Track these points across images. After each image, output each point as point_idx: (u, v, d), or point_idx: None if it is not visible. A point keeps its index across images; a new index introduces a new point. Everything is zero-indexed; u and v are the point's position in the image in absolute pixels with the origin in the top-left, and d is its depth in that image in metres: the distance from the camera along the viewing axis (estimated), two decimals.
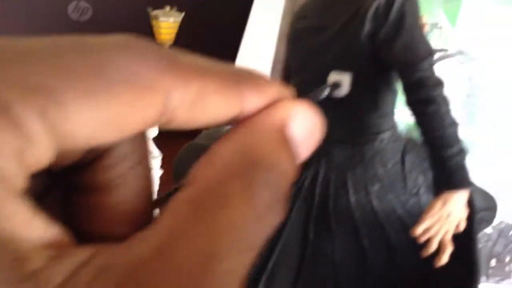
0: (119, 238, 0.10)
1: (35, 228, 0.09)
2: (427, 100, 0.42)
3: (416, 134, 0.47)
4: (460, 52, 0.73)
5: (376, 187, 0.46)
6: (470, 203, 0.43)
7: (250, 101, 0.12)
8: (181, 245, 0.10)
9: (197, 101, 0.11)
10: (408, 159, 0.47)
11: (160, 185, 0.70)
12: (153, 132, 0.71)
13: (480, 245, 0.75)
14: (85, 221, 0.11)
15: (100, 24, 0.99)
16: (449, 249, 0.43)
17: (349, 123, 0.47)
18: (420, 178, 0.47)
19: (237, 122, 0.12)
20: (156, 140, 0.70)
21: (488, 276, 0.70)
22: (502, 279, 0.76)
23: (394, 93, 0.47)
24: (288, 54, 0.51)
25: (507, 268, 0.76)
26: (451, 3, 0.72)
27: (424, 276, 0.45)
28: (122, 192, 0.11)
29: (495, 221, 0.73)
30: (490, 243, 0.76)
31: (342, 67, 0.45)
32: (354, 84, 0.45)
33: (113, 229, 0.11)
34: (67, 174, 0.11)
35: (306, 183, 0.47)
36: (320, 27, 0.47)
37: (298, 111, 0.12)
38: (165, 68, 0.10)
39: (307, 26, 0.49)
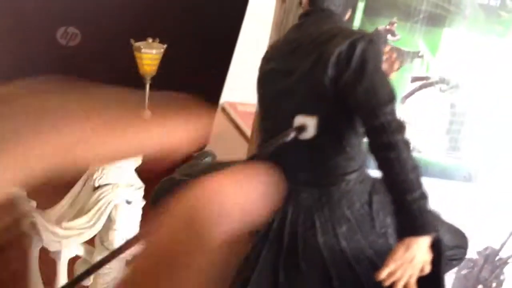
0: None
1: None
2: (389, 145, 0.43)
3: None
4: (442, 80, 0.74)
5: (344, 228, 0.47)
6: (437, 244, 0.44)
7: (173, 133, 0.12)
8: None
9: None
10: (376, 199, 0.48)
11: (143, 216, 0.70)
12: (135, 163, 0.71)
13: (465, 271, 0.75)
14: None
15: (89, 50, 0.99)
16: None
17: (316, 166, 0.47)
18: (388, 219, 0.47)
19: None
20: (139, 170, 0.70)
21: None
22: None
23: (359, 136, 0.48)
24: (257, 98, 0.51)
25: None
26: (432, 33, 0.72)
27: None
28: None
29: (481, 247, 0.74)
30: (476, 269, 0.76)
31: (308, 111, 0.46)
32: (320, 127, 0.45)
33: None
34: None
35: (275, 226, 0.48)
36: (285, 71, 0.48)
37: None
38: None
39: (273, 69, 0.49)
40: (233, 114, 1.30)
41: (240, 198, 0.12)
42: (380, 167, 0.43)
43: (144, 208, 0.72)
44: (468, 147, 0.74)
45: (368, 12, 0.69)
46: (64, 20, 0.95)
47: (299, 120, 0.46)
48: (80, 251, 0.72)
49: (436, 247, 0.43)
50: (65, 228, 0.68)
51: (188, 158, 0.63)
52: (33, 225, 0.66)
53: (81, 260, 0.73)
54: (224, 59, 1.05)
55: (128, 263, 0.63)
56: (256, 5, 1.06)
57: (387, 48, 0.70)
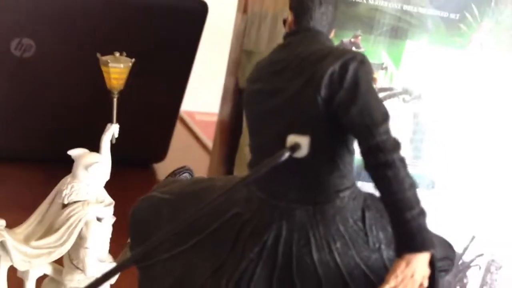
0: None
1: None
2: (385, 164, 0.44)
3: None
4: (405, 91, 0.76)
5: (338, 244, 0.47)
6: (432, 258, 0.45)
7: None
8: None
9: None
10: (368, 215, 0.49)
11: (113, 233, 0.69)
12: (104, 179, 0.70)
13: None
14: None
15: (44, 61, 0.97)
16: None
17: (309, 184, 0.48)
18: (380, 234, 0.48)
19: None
20: (108, 186, 0.69)
21: None
22: None
23: (352, 153, 0.48)
24: (245, 118, 0.51)
25: None
26: (395, 46, 0.74)
27: None
28: None
29: None
30: None
31: (299, 130, 0.46)
32: (313, 146, 0.46)
33: None
34: None
35: (269, 243, 0.48)
36: (274, 91, 0.48)
37: None
38: None
39: (261, 89, 0.50)
40: (191, 124, 1.30)
41: None
42: (378, 185, 0.44)
43: (113, 225, 0.71)
44: (431, 156, 0.77)
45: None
46: (18, 32, 0.93)
47: (292, 139, 0.46)
48: (48, 270, 0.70)
49: (432, 261, 0.44)
50: (34, 247, 0.66)
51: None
52: (3, 245, 0.64)
53: (48, 279, 0.71)
54: (184, 71, 1.05)
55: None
56: (216, 15, 1.07)
57: None
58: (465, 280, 0.79)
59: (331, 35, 0.52)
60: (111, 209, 0.70)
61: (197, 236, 0.52)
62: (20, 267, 0.66)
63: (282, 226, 0.48)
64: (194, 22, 1.02)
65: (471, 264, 0.79)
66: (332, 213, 0.48)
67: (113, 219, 0.70)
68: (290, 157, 0.45)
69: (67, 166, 0.68)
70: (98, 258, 0.68)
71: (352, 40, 0.75)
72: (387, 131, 0.45)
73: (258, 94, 0.50)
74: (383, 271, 0.48)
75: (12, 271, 0.67)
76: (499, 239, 0.79)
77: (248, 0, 0.93)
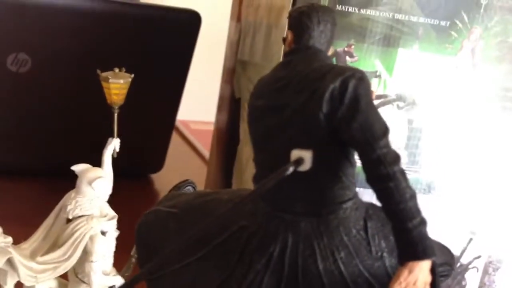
0: None
1: None
2: (387, 177, 0.45)
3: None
4: (399, 98, 0.77)
5: (342, 254, 0.49)
6: (433, 266, 0.46)
7: None
8: None
9: None
10: (371, 225, 0.50)
11: (117, 246, 0.70)
12: (107, 193, 0.71)
13: None
14: None
15: (40, 76, 0.98)
16: None
17: (313, 197, 0.49)
18: (382, 243, 0.50)
19: None
20: (111, 199, 0.70)
21: None
22: None
23: (353, 166, 0.50)
24: (249, 132, 0.53)
25: None
26: (387, 54, 0.76)
27: None
28: None
29: None
30: None
31: (302, 144, 0.47)
32: (316, 159, 0.47)
33: None
34: None
35: (275, 255, 0.49)
36: (276, 107, 0.50)
37: None
38: None
39: (264, 105, 0.51)
40: (187, 133, 1.30)
41: None
42: (380, 197, 0.46)
43: (117, 238, 0.72)
44: (426, 161, 0.78)
45: None
46: (14, 47, 0.93)
47: (295, 153, 0.47)
48: (54, 284, 0.71)
49: (433, 268, 0.46)
50: (40, 263, 0.67)
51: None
52: (10, 261, 0.65)
53: None
54: (179, 82, 1.06)
55: None
56: (209, 24, 1.07)
57: None
58: (463, 282, 0.81)
59: (330, 52, 0.54)
60: (114, 223, 0.71)
61: (205, 248, 0.53)
62: (26, 282, 0.67)
63: (287, 237, 0.50)
64: (188, 33, 1.03)
65: (469, 266, 0.80)
66: (336, 224, 0.49)
67: (116, 233, 0.71)
68: (294, 171, 0.47)
69: (66, 180, 0.69)
70: (103, 271, 0.69)
71: (346, 49, 0.76)
72: (387, 145, 0.47)
73: (262, 111, 0.51)
74: (386, 279, 0.49)
75: (18, 286, 0.68)
76: (496, 241, 0.80)
77: (242, 9, 0.94)
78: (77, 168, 0.69)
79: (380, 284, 0.49)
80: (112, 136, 0.73)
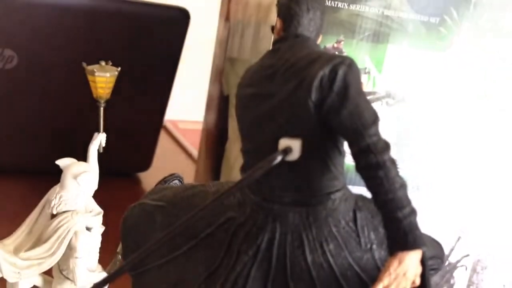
0: None
1: None
2: (377, 165, 0.45)
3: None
4: (388, 95, 0.77)
5: (331, 245, 0.48)
6: (423, 257, 0.46)
7: None
8: None
9: None
10: (360, 216, 0.49)
11: (103, 242, 0.69)
12: (92, 189, 0.70)
13: None
14: None
15: (27, 72, 0.97)
16: None
17: (302, 186, 0.48)
18: (372, 235, 0.49)
19: None
20: (97, 196, 0.69)
21: None
22: None
23: (342, 155, 0.49)
24: (237, 122, 0.52)
25: None
26: (377, 50, 0.75)
27: None
28: None
29: None
30: None
31: (291, 133, 0.47)
32: (304, 149, 0.46)
33: None
34: None
35: (263, 246, 0.49)
36: (265, 95, 0.49)
37: None
38: None
39: (252, 93, 0.50)
40: (175, 132, 1.30)
41: None
42: (369, 186, 0.45)
43: (102, 235, 0.71)
44: (416, 159, 0.78)
45: None
46: (0, 43, 0.92)
47: (284, 142, 0.47)
48: (38, 281, 0.70)
49: (423, 259, 0.45)
50: (24, 259, 0.66)
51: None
52: None
53: None
54: (167, 80, 1.06)
55: None
56: (198, 23, 1.07)
57: None
58: (452, 281, 0.80)
59: (319, 40, 0.53)
60: (100, 219, 0.70)
61: (191, 241, 0.53)
62: (10, 278, 0.66)
63: (275, 228, 0.49)
64: (176, 31, 1.02)
65: (458, 265, 0.80)
66: (324, 215, 0.48)
67: (102, 229, 0.70)
68: (282, 160, 0.46)
69: (53, 177, 0.68)
70: (88, 268, 0.68)
71: (335, 45, 0.76)
72: (377, 133, 0.46)
73: (250, 99, 0.50)
74: (375, 271, 0.49)
75: (1, 282, 0.67)
76: (485, 239, 0.80)
77: (231, 7, 0.93)
78: (62, 162, 0.68)
79: (370, 276, 0.48)
80: (98, 131, 0.72)
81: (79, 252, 0.67)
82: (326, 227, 0.48)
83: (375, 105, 0.75)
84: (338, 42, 0.76)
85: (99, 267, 0.70)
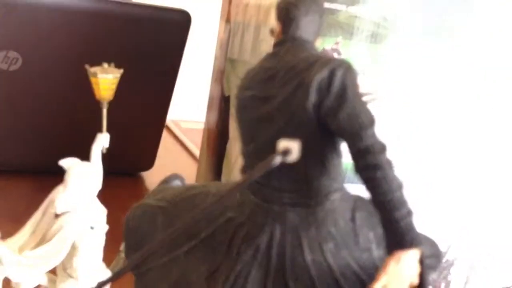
0: None
1: None
2: (374, 166, 0.46)
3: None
4: (386, 96, 0.77)
5: (330, 245, 0.49)
6: (420, 257, 0.47)
7: None
8: None
9: None
10: (359, 216, 0.50)
11: (107, 241, 0.70)
12: (96, 188, 0.71)
13: None
14: None
15: (31, 73, 0.98)
16: None
17: (301, 187, 0.49)
18: (370, 234, 0.50)
19: None
20: (101, 195, 0.70)
21: None
22: None
23: (340, 156, 0.50)
24: (236, 124, 0.53)
25: None
26: (374, 51, 0.76)
27: None
28: None
29: None
30: None
31: (290, 135, 0.47)
32: (303, 150, 0.47)
33: None
34: None
35: (262, 246, 0.49)
36: (264, 97, 0.50)
37: None
38: None
39: (252, 96, 0.51)
40: (178, 132, 1.30)
41: None
42: (368, 187, 0.46)
43: (107, 233, 0.71)
44: (415, 158, 0.78)
45: None
46: (4, 45, 0.93)
47: (282, 144, 0.47)
48: (42, 280, 0.71)
49: (420, 259, 0.46)
50: (29, 257, 0.67)
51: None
52: None
53: None
54: (169, 81, 1.06)
55: None
56: (200, 24, 1.08)
57: None
58: (449, 278, 0.81)
59: (317, 42, 0.54)
60: (103, 218, 0.71)
61: (192, 241, 0.53)
62: (14, 277, 0.67)
63: (275, 229, 0.50)
64: (178, 32, 1.03)
65: (455, 262, 0.80)
66: (323, 215, 0.49)
67: (105, 228, 0.71)
68: (282, 162, 0.47)
69: (57, 177, 0.69)
70: (92, 267, 0.69)
71: (334, 47, 0.76)
72: (374, 134, 0.47)
73: (250, 101, 0.51)
74: (374, 270, 0.49)
75: (5, 281, 0.67)
76: (482, 237, 0.80)
77: (231, 9, 0.94)
78: (65, 162, 0.69)
79: (368, 276, 0.49)
80: (102, 132, 0.73)
81: (82, 251, 0.67)
82: (325, 227, 0.49)
83: (373, 106, 0.76)
84: (337, 43, 0.76)
85: (103, 265, 0.71)
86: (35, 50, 0.98)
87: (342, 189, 0.51)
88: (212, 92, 1.02)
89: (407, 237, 0.45)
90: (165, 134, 1.25)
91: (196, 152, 1.20)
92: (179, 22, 1.02)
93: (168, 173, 0.67)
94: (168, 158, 1.20)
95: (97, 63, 0.73)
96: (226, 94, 0.94)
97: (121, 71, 0.73)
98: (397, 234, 0.46)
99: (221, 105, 0.96)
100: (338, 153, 0.50)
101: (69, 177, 0.68)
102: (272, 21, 0.54)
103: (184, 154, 1.28)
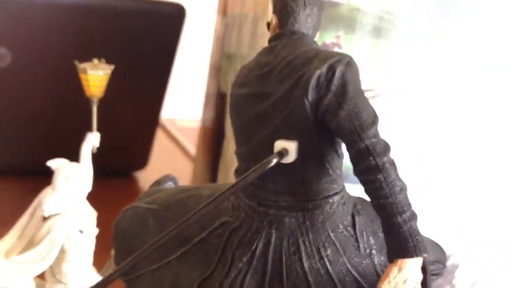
0: None
1: None
2: (376, 168, 0.43)
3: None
4: (388, 92, 0.75)
5: (329, 251, 0.46)
6: (424, 264, 0.44)
7: None
8: None
9: None
10: (359, 221, 0.48)
11: (97, 245, 0.68)
12: (85, 190, 0.69)
13: None
14: None
15: (20, 70, 0.96)
16: None
17: (298, 190, 0.47)
18: (371, 239, 0.48)
19: None
20: (88, 197, 0.68)
21: None
22: None
23: (340, 158, 0.48)
24: (231, 124, 0.50)
25: None
26: (377, 45, 0.74)
27: None
28: None
29: None
30: None
31: (287, 135, 0.45)
32: (301, 151, 0.45)
33: None
34: None
35: (258, 252, 0.47)
36: (260, 95, 0.47)
37: None
38: None
39: (247, 93, 0.48)
40: (173, 131, 1.29)
41: None
42: (368, 190, 0.43)
43: (97, 237, 0.70)
44: (417, 157, 0.76)
45: None
46: None
47: (279, 144, 0.45)
48: (31, 286, 0.69)
49: (424, 266, 0.44)
50: (16, 263, 0.65)
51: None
52: None
53: None
54: (163, 77, 1.05)
55: None
56: (195, 18, 1.06)
57: None
58: (453, 282, 0.79)
59: (316, 36, 0.51)
60: (93, 221, 0.69)
61: (185, 246, 0.51)
62: (1, 284, 0.65)
63: (271, 234, 0.47)
64: (172, 27, 1.01)
65: (460, 265, 0.78)
66: (322, 219, 0.47)
67: (96, 231, 0.69)
68: (278, 163, 0.44)
69: (46, 178, 0.67)
70: (82, 272, 0.67)
71: (335, 41, 0.74)
72: (376, 134, 0.44)
73: (245, 99, 0.49)
74: (375, 277, 0.47)
75: None
76: (488, 238, 0.79)
77: (228, 2, 0.92)
78: (53, 163, 0.67)
79: (369, 283, 0.46)
80: (91, 131, 0.71)
81: (71, 255, 0.66)
82: (324, 232, 0.47)
83: (375, 103, 0.74)
84: (337, 37, 0.74)
85: (94, 270, 0.69)
86: (25, 46, 0.96)
87: (342, 192, 0.48)
88: (208, 88, 1.01)
89: (410, 243, 0.43)
90: (160, 133, 1.23)
91: (193, 150, 1.18)
92: (173, 16, 1.00)
93: (163, 172, 0.65)
94: (164, 158, 1.18)
95: (89, 59, 0.71)
96: (223, 90, 0.92)
97: (112, 67, 0.71)
98: (400, 239, 0.43)
99: (217, 102, 0.95)
100: (338, 154, 0.47)
101: (57, 179, 0.66)
102: (271, 14, 0.52)
103: (180, 153, 1.27)
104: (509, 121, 0.77)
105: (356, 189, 0.51)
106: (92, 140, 0.70)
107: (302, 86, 0.45)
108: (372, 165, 0.43)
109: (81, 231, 0.67)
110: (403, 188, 0.44)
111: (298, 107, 0.45)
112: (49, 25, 0.96)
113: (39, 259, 0.65)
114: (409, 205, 0.44)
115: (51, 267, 0.67)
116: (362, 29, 0.73)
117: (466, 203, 0.78)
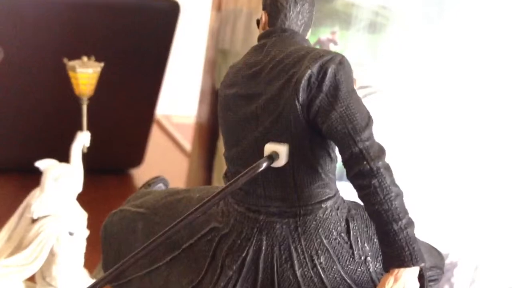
0: None
1: None
2: (370, 173, 0.41)
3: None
4: (385, 88, 0.74)
5: (322, 258, 0.45)
6: (421, 272, 0.42)
7: None
8: None
9: None
10: (353, 226, 0.46)
11: (88, 247, 0.67)
12: (75, 191, 0.68)
13: None
14: None
15: (11, 68, 0.94)
16: None
17: (290, 195, 0.45)
18: (366, 246, 0.46)
19: None
20: (82, 196, 0.67)
21: None
22: None
23: (333, 161, 0.46)
24: (219, 125, 0.49)
25: None
26: (373, 41, 0.72)
27: None
28: None
29: None
30: None
31: (277, 137, 0.44)
32: (292, 154, 0.43)
33: None
34: None
35: (248, 260, 0.45)
36: (249, 95, 0.45)
37: None
38: None
39: (236, 94, 0.46)
40: (169, 127, 1.28)
41: None
42: (362, 196, 0.42)
43: (88, 238, 0.68)
44: (415, 158, 0.75)
45: None
46: None
47: (269, 148, 0.43)
48: None
49: (421, 274, 0.42)
50: (4, 266, 0.64)
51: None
52: None
53: None
54: (157, 73, 1.03)
55: None
56: (190, 14, 1.05)
57: None
58: (452, 280, 0.78)
59: (308, 34, 0.49)
60: (83, 223, 0.68)
61: (174, 252, 0.50)
62: None
63: (261, 240, 0.45)
64: (166, 23, 0.99)
65: (458, 263, 0.77)
66: (315, 226, 0.45)
67: (86, 233, 0.68)
68: (268, 167, 0.43)
69: (37, 178, 0.66)
70: (72, 274, 0.66)
71: (330, 37, 0.73)
72: (371, 137, 0.42)
73: (233, 99, 0.47)
74: (370, 284, 0.46)
75: None
76: (485, 237, 0.77)
77: None
78: (41, 164, 0.66)
79: None
80: (81, 130, 0.70)
81: (61, 258, 0.65)
82: (317, 239, 0.45)
83: (372, 100, 0.72)
84: (333, 33, 0.73)
85: (85, 272, 0.68)
86: (16, 44, 0.95)
87: (335, 196, 0.46)
88: (203, 85, 1.00)
89: (407, 251, 0.41)
90: (156, 130, 1.22)
91: (188, 147, 1.17)
92: (167, 12, 0.98)
93: (159, 169, 0.64)
94: (160, 155, 1.17)
95: (81, 55, 0.70)
96: (218, 87, 0.90)
97: (102, 65, 0.69)
98: (395, 248, 0.41)
99: (212, 98, 0.93)
100: (331, 158, 0.45)
101: (45, 180, 0.65)
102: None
103: (176, 149, 1.25)
104: (507, 116, 0.75)
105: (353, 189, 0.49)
106: (82, 140, 0.69)
107: (293, 87, 0.43)
108: (366, 170, 0.41)
109: (71, 233, 0.66)
110: (399, 194, 0.42)
111: (288, 108, 0.43)
112: (42, 22, 0.95)
113: (28, 262, 0.65)
114: (405, 211, 0.42)
115: (41, 270, 0.66)
116: (358, 24, 0.71)
117: (465, 202, 0.76)
